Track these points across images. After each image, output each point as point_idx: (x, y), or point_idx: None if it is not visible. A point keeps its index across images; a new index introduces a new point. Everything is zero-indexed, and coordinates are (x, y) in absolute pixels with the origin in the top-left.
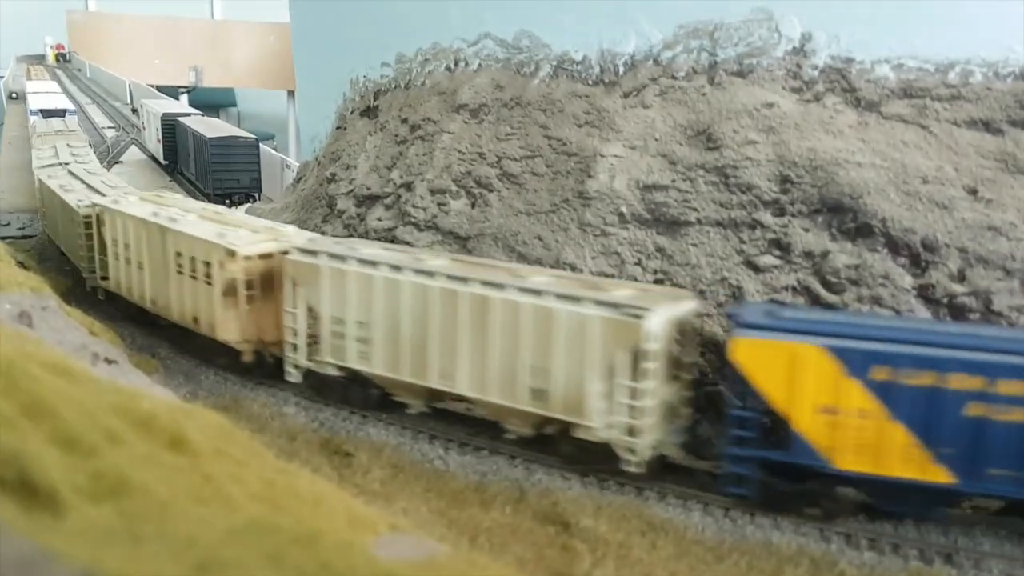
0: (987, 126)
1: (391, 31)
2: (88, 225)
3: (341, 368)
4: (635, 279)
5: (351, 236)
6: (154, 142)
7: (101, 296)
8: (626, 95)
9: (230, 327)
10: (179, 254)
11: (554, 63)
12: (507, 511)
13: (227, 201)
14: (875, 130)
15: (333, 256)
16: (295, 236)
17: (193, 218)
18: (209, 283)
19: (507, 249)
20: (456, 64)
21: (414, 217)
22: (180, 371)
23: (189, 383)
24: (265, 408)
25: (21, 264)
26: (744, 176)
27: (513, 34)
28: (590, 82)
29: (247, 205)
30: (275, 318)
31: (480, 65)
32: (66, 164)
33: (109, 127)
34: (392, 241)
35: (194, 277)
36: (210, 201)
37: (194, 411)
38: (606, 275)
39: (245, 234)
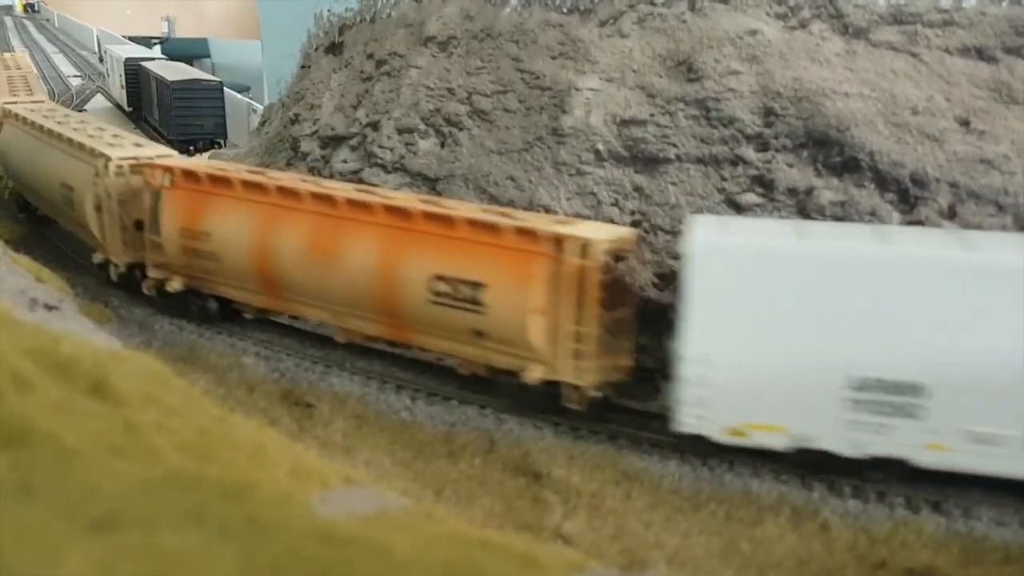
0: (980, 53)
1: None
2: None
3: None
4: (612, 220)
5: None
6: (118, 88)
7: None
8: (602, 23)
9: None
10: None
11: None
12: (476, 462)
13: (191, 148)
14: (863, 58)
15: None
16: None
17: None
18: None
19: (478, 190)
20: None
21: (381, 158)
22: (134, 321)
23: (143, 333)
24: (223, 358)
25: None
26: (726, 109)
27: None
28: (564, 10)
29: (211, 151)
30: None
31: None
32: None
33: (75, 76)
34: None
35: None
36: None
37: (128, 356)
38: (582, 217)
39: None
